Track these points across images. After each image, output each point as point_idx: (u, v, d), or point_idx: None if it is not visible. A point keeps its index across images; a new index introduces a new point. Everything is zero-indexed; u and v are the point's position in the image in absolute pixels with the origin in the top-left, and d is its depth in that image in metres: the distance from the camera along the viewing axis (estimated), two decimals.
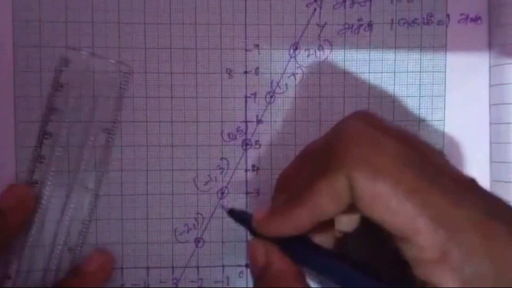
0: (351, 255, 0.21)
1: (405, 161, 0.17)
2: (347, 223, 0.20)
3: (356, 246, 0.22)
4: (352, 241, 0.22)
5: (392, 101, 0.28)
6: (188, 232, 0.28)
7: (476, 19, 0.27)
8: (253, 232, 0.22)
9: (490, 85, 0.28)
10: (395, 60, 0.28)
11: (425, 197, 0.17)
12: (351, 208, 0.18)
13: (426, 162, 0.18)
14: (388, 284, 0.19)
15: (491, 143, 0.28)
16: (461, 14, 0.28)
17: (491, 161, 0.28)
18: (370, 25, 0.28)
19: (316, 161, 0.20)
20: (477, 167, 0.28)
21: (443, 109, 0.28)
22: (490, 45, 0.27)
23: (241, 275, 0.28)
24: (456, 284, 0.16)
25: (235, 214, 0.24)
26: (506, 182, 0.27)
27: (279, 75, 0.28)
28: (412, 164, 0.17)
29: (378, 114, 0.20)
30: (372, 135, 0.18)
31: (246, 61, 0.28)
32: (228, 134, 0.28)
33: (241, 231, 0.28)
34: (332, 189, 0.18)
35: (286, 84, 0.28)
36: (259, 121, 0.28)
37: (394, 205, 0.17)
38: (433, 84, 0.28)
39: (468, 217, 0.16)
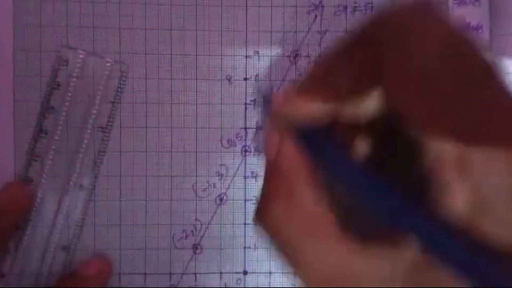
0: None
1: (444, 62, 0.16)
2: (364, 107, 0.19)
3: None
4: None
5: None
6: (186, 238, 0.28)
7: (477, 28, 0.28)
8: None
9: None
10: None
11: (451, 101, 0.16)
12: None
13: (465, 73, 0.16)
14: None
15: None
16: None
17: None
18: None
19: (341, 47, 0.19)
20: None
21: None
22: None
23: (238, 282, 0.28)
24: (466, 190, 0.15)
25: (264, 99, 0.24)
26: None
27: (280, 81, 0.28)
28: (452, 67, 0.16)
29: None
30: (421, 23, 0.17)
31: (246, 68, 0.28)
32: (228, 141, 0.28)
33: (239, 238, 0.28)
34: (356, 63, 0.17)
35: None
36: (258, 128, 0.28)
37: (419, 96, 0.16)
38: None
39: (495, 131, 0.15)
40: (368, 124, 0.20)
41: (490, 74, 0.16)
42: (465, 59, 0.16)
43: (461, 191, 0.15)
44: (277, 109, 0.20)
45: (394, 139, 0.19)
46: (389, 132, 0.19)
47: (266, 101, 0.23)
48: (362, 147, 0.20)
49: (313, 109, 0.19)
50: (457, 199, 0.16)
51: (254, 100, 0.28)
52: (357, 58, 0.17)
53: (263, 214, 0.19)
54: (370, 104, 0.19)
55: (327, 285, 0.18)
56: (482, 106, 0.16)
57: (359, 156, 0.19)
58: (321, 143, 0.19)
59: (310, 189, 0.19)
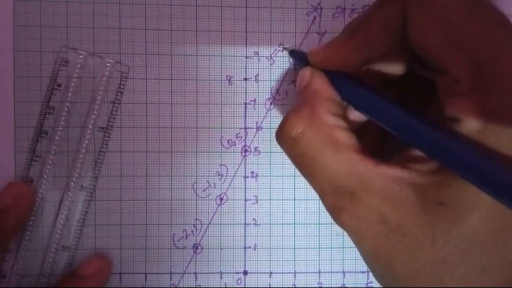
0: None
1: (462, 4, 0.18)
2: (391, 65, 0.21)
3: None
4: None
5: None
6: (186, 238, 0.28)
7: None
8: None
9: None
10: None
11: (472, 38, 0.17)
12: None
13: (482, 16, 0.18)
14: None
15: None
16: None
17: None
18: None
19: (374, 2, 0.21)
20: None
21: None
22: None
23: (238, 282, 0.29)
24: (479, 120, 0.17)
25: (295, 54, 0.27)
26: None
27: (279, 82, 0.28)
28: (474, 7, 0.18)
29: None
30: None
31: (246, 68, 0.28)
32: (228, 141, 0.28)
33: (239, 238, 0.29)
34: (385, 14, 0.19)
35: (286, 91, 0.28)
36: (258, 128, 0.28)
37: (439, 32, 0.17)
38: None
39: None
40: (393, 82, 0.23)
41: (505, 24, 0.18)
42: (482, 6, 0.18)
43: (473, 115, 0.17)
44: (315, 51, 0.23)
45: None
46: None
47: (295, 51, 0.26)
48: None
49: (346, 55, 0.21)
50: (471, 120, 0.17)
51: (254, 100, 0.28)
52: (387, 12, 0.19)
53: (285, 127, 0.21)
54: (394, 68, 0.22)
55: (339, 188, 0.19)
56: (494, 45, 0.17)
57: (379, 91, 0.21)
58: (346, 82, 0.22)
59: (333, 107, 0.21)
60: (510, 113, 0.16)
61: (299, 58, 0.26)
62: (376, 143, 0.24)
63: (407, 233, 0.18)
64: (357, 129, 0.22)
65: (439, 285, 0.17)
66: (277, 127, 0.28)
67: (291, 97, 0.28)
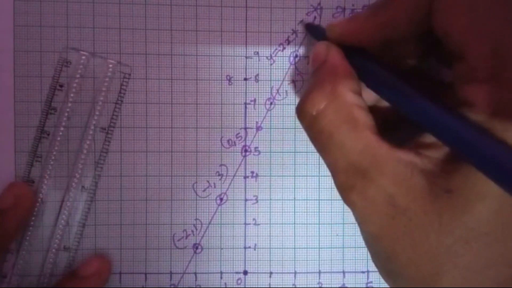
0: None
1: None
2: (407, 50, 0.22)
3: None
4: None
5: None
6: (186, 238, 0.29)
7: None
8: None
9: None
10: None
11: (495, 27, 0.18)
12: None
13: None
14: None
15: None
16: None
17: None
18: None
19: None
20: None
21: None
22: None
23: (239, 282, 0.29)
24: (490, 108, 0.17)
25: (311, 28, 0.27)
26: None
27: (279, 82, 0.29)
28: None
29: None
30: None
31: (246, 68, 0.29)
32: (228, 141, 0.29)
33: (239, 238, 0.29)
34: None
35: (286, 91, 0.29)
36: (258, 128, 0.29)
37: (464, 16, 0.18)
38: None
39: None
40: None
41: None
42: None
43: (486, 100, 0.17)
44: (335, 24, 0.23)
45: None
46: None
47: (312, 25, 0.26)
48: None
49: (368, 32, 0.21)
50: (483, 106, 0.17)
51: (254, 100, 0.29)
52: None
53: (306, 104, 0.22)
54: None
55: (352, 166, 0.20)
56: None
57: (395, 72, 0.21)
58: (362, 59, 0.22)
59: (353, 84, 0.22)
60: None
61: (316, 33, 0.26)
62: (386, 125, 0.24)
63: (414, 218, 0.18)
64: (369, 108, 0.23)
65: (440, 274, 0.18)
66: (277, 127, 0.29)
67: (291, 97, 0.29)
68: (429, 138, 0.20)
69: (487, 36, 0.17)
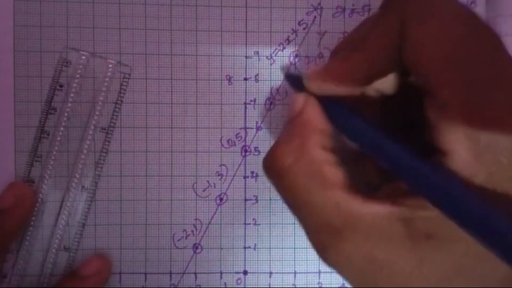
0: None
1: (460, 24, 0.18)
2: (384, 82, 0.21)
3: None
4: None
5: None
6: (186, 238, 0.29)
7: None
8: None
9: None
10: None
11: (467, 59, 0.17)
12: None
13: (482, 37, 0.18)
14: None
15: None
16: None
17: None
18: None
19: (372, 19, 0.21)
20: None
21: None
22: None
23: (238, 282, 0.29)
24: (467, 154, 0.17)
25: (290, 77, 0.26)
26: None
27: (279, 82, 0.29)
28: (464, 26, 0.18)
29: None
30: None
31: (246, 68, 0.29)
32: (228, 141, 0.29)
33: (239, 238, 0.29)
34: (384, 31, 0.19)
35: (286, 91, 0.29)
36: (258, 128, 0.29)
37: (433, 51, 0.18)
38: None
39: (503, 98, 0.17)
40: (385, 99, 0.23)
41: (499, 45, 0.18)
42: (478, 28, 0.18)
43: (466, 150, 0.17)
44: (312, 74, 0.22)
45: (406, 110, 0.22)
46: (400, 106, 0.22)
47: (291, 75, 0.25)
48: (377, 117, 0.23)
49: (346, 74, 0.21)
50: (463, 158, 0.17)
51: (254, 100, 0.29)
52: (385, 29, 0.20)
53: (274, 157, 0.21)
54: (388, 83, 0.22)
55: (325, 226, 0.19)
56: (492, 73, 0.17)
57: (373, 123, 0.21)
58: (341, 111, 0.22)
59: (323, 140, 0.21)
60: (502, 144, 0.17)
61: (296, 83, 0.25)
62: (366, 173, 0.24)
63: (395, 268, 0.18)
64: (349, 158, 0.22)
65: None
66: (277, 127, 0.29)
67: (291, 97, 0.29)
68: (402, 184, 0.19)
69: (455, 70, 0.17)
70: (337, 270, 0.20)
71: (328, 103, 0.22)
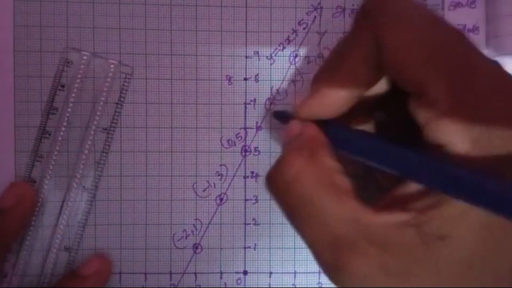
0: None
1: (429, 25, 0.19)
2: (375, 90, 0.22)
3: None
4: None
5: None
6: (186, 238, 0.29)
7: (473, 29, 0.29)
8: None
9: None
10: None
11: (444, 56, 0.18)
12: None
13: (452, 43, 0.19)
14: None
15: None
16: (458, 25, 0.29)
17: None
18: None
19: (346, 38, 0.21)
20: None
21: None
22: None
23: (238, 282, 0.30)
24: (465, 142, 0.17)
25: (279, 114, 0.27)
26: None
27: (279, 82, 0.29)
28: (435, 28, 0.19)
29: None
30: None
31: (246, 68, 0.29)
32: (228, 141, 0.29)
33: (239, 238, 0.30)
34: (359, 45, 0.20)
35: (286, 91, 0.29)
36: (258, 128, 0.29)
37: (412, 54, 0.18)
38: None
39: (485, 82, 0.18)
40: (379, 103, 0.23)
41: (465, 39, 0.19)
42: (445, 27, 0.19)
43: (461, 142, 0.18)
44: (299, 104, 0.22)
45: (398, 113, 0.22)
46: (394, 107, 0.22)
47: (279, 112, 0.26)
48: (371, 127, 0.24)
49: (333, 96, 0.21)
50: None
51: (254, 100, 0.29)
52: (360, 43, 0.20)
53: (283, 170, 0.20)
54: (379, 88, 0.22)
55: (338, 239, 0.18)
56: (467, 65, 0.18)
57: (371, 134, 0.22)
58: (336, 130, 0.22)
59: (331, 151, 0.21)
60: (493, 127, 0.17)
61: (285, 117, 0.25)
62: (368, 185, 0.24)
63: (410, 273, 0.18)
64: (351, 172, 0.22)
65: None
66: (277, 127, 0.29)
67: (291, 97, 0.29)
68: (409, 188, 0.19)
69: (439, 66, 0.18)
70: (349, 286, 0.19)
71: (322, 124, 0.22)
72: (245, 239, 0.30)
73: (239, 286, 0.30)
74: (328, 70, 0.22)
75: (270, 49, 0.29)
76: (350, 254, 0.18)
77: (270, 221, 0.30)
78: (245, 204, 0.30)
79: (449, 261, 0.18)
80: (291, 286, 0.30)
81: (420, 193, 0.19)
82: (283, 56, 0.29)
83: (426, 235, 0.18)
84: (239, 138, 0.29)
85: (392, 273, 0.18)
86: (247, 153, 0.30)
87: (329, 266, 0.19)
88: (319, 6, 0.29)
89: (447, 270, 0.18)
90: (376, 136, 0.21)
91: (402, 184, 0.20)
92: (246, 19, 0.29)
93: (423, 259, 0.18)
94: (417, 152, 0.19)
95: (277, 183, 0.20)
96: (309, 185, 0.19)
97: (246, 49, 0.29)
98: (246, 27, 0.29)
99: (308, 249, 0.29)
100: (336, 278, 0.19)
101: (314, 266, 0.30)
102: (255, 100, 0.29)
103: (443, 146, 0.18)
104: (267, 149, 0.30)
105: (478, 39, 0.29)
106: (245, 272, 0.30)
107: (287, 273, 0.30)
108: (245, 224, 0.30)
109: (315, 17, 0.29)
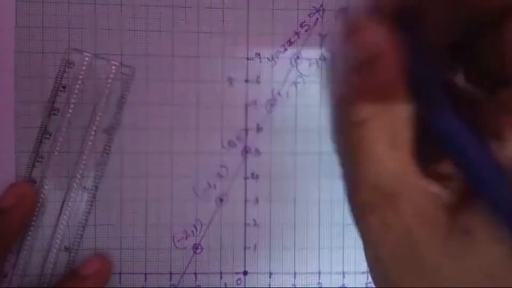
0: None
1: None
2: None
3: None
4: None
5: None
6: (186, 238, 0.30)
7: None
8: None
9: None
10: None
11: None
12: None
13: None
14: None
15: None
16: None
17: None
18: None
19: None
20: None
21: None
22: None
23: (238, 282, 0.30)
24: None
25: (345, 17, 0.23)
26: None
27: (280, 83, 0.29)
28: None
29: None
30: None
31: (247, 70, 0.29)
32: (228, 142, 0.30)
33: (239, 238, 0.30)
34: None
35: (287, 93, 0.30)
36: (259, 129, 0.30)
37: None
38: None
39: None
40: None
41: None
42: None
43: None
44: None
45: None
46: None
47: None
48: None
49: None
50: None
51: (255, 102, 0.30)
52: None
53: (352, 111, 0.19)
54: None
55: (381, 186, 0.18)
56: None
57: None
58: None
59: (406, 98, 0.19)
60: None
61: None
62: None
63: (427, 258, 0.18)
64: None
65: None
66: (278, 128, 0.29)
67: (292, 99, 0.30)
68: (448, 168, 0.19)
69: None
70: (371, 234, 0.18)
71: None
72: (245, 239, 0.30)
73: (239, 287, 0.30)
74: None
75: (272, 51, 0.29)
76: (384, 202, 0.18)
77: (270, 222, 0.30)
78: (245, 205, 0.30)
79: (464, 259, 0.17)
80: (291, 287, 0.30)
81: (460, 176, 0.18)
82: (284, 58, 0.29)
83: (453, 222, 0.17)
84: (240, 139, 0.30)
85: (413, 241, 0.18)
86: (248, 154, 0.30)
87: (363, 205, 0.19)
88: (321, 8, 0.29)
89: (460, 268, 0.17)
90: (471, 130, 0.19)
91: (446, 162, 0.19)
92: (247, 21, 0.29)
93: (444, 250, 0.17)
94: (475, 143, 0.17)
95: (342, 120, 0.19)
96: (373, 133, 0.19)
97: (247, 50, 0.29)
98: (247, 29, 0.29)
99: (307, 250, 0.29)
100: (364, 219, 0.19)
101: (314, 266, 0.30)
102: (256, 101, 0.30)
103: (502, 138, 0.17)
104: (268, 150, 0.30)
105: None
106: (245, 273, 0.30)
107: (287, 273, 0.30)
108: (245, 224, 0.30)
109: (317, 19, 0.29)
